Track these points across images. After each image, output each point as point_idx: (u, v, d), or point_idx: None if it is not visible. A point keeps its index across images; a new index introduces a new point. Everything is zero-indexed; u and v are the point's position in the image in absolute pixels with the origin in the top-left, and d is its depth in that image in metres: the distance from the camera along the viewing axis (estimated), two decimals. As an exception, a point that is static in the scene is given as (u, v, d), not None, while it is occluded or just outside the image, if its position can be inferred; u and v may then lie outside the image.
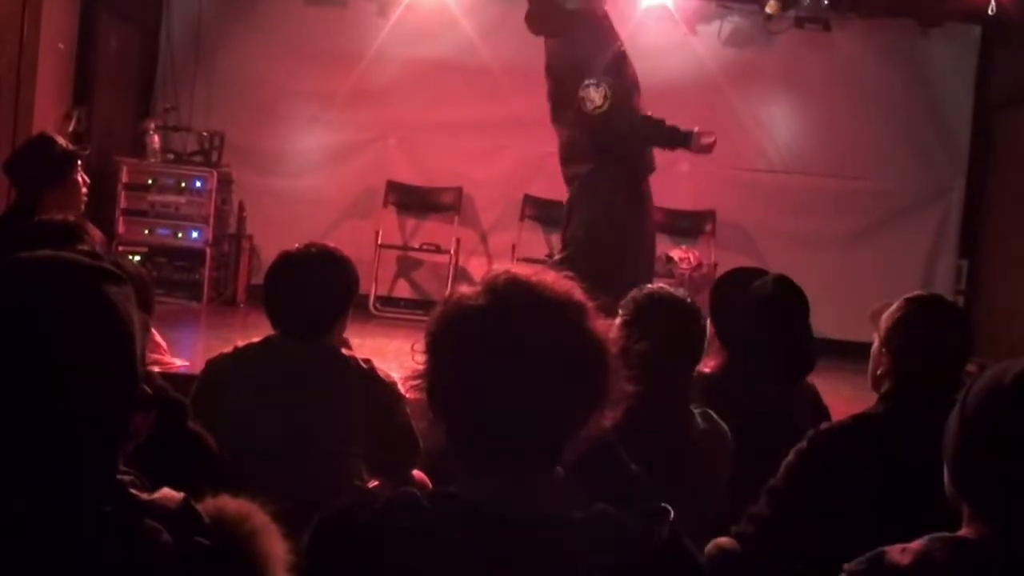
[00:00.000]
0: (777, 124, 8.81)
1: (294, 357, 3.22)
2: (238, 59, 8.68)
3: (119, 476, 1.34)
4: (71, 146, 4.88)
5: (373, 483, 3.41)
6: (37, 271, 1.34)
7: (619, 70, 5.66)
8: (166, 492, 1.35)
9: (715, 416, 2.93)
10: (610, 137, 5.55)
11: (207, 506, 1.36)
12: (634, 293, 3.01)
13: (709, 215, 8.67)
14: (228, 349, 3.33)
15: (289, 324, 3.27)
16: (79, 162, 4.71)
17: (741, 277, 3.72)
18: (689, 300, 3.02)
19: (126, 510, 1.29)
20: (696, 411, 2.92)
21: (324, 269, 3.28)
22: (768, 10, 7.92)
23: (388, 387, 3.26)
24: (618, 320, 2.83)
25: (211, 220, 8.04)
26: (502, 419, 1.55)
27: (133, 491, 1.33)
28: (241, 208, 8.42)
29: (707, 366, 3.50)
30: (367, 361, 3.29)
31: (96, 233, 3.51)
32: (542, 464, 1.59)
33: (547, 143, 8.47)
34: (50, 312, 1.30)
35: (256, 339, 3.33)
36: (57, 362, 1.28)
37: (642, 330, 2.72)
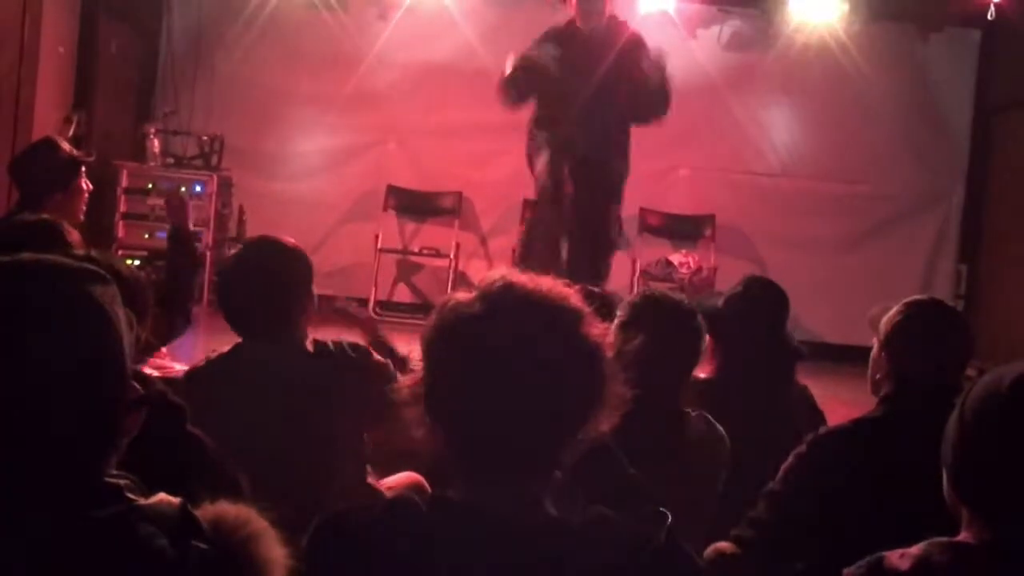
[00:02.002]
0: (777, 128, 8.82)
1: (262, 357, 3.12)
2: (238, 63, 8.68)
3: (115, 480, 1.34)
4: (76, 152, 4.87)
5: (382, 482, 3.39)
6: (20, 273, 1.34)
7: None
8: (163, 497, 1.34)
9: (711, 419, 2.93)
10: None
11: (205, 511, 1.36)
12: (631, 296, 3.02)
13: (708, 219, 8.67)
14: (201, 362, 3.24)
15: (248, 327, 3.18)
16: (83, 168, 4.71)
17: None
18: (685, 301, 3.03)
19: (122, 515, 1.29)
20: (692, 414, 2.92)
21: (269, 269, 3.17)
22: None
23: (373, 368, 3.17)
24: (615, 322, 2.84)
25: (211, 224, 8.04)
26: (498, 425, 1.55)
27: (130, 495, 1.33)
28: (241, 212, 8.42)
29: (704, 371, 3.50)
30: (337, 344, 3.18)
31: (74, 234, 3.49)
32: (539, 469, 1.59)
33: (546, 147, 8.49)
34: (35, 314, 1.30)
35: (225, 348, 3.22)
36: (44, 364, 1.28)
37: (638, 331, 2.72)
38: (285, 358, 3.12)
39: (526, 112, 8.46)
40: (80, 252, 2.57)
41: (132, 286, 2.47)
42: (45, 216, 3.65)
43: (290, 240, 3.27)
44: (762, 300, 3.54)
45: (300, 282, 3.20)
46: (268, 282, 3.13)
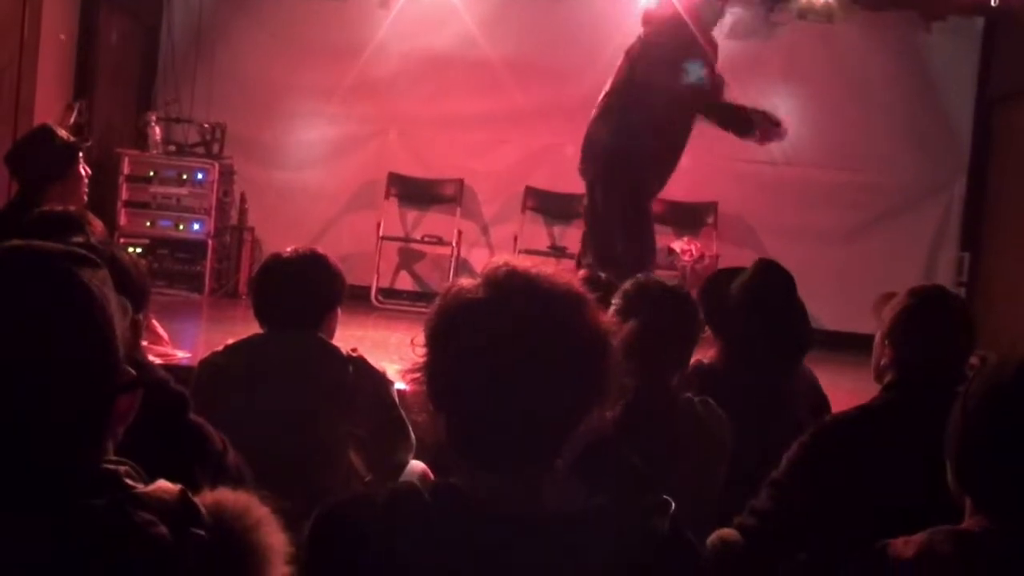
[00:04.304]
0: (779, 116, 8.79)
1: (284, 350, 3.27)
2: (239, 51, 8.68)
3: (115, 466, 1.34)
4: (72, 138, 4.88)
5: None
6: (6, 259, 1.33)
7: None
8: (162, 484, 1.34)
9: (713, 403, 2.93)
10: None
11: (206, 499, 1.35)
12: (625, 285, 3.02)
13: (711, 207, 8.66)
14: (219, 348, 3.37)
15: (276, 318, 3.32)
16: (81, 154, 4.71)
17: (729, 272, 3.74)
18: (678, 286, 3.04)
19: (120, 502, 1.28)
20: (695, 399, 2.92)
21: (308, 267, 3.36)
22: None
23: (378, 376, 3.29)
24: (611, 311, 2.84)
25: (213, 212, 8.05)
26: (502, 412, 1.54)
27: (129, 482, 1.33)
28: (243, 200, 8.42)
29: (706, 357, 3.50)
30: (354, 350, 3.33)
31: (97, 224, 3.52)
32: (542, 456, 1.58)
33: (548, 135, 8.52)
34: (21, 299, 1.30)
35: (245, 337, 3.38)
36: (32, 348, 1.28)
37: (632, 319, 2.72)
38: (302, 344, 3.27)
39: (527, 101, 8.49)
40: (80, 240, 2.56)
41: (132, 273, 2.47)
42: (70, 208, 3.67)
43: (324, 253, 3.47)
44: (767, 286, 3.53)
45: (332, 291, 3.41)
46: (304, 280, 3.33)
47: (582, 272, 3.58)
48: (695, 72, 6.08)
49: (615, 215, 6.12)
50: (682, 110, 6.16)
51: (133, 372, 1.37)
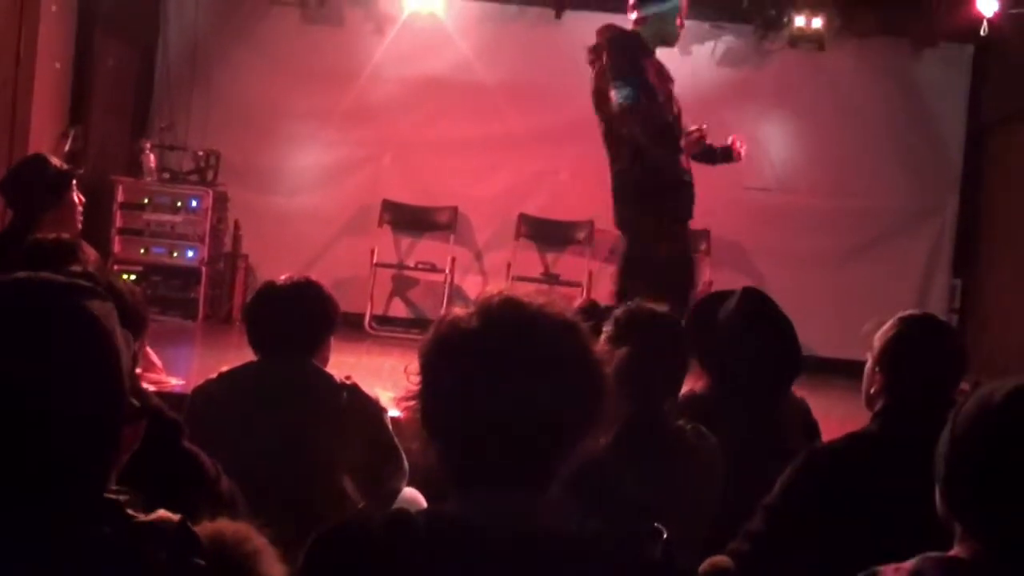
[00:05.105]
0: (771, 143, 8.83)
1: (278, 377, 3.27)
2: (234, 78, 8.70)
3: (116, 496, 1.35)
4: (65, 166, 4.88)
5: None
6: (13, 292, 1.34)
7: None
8: (163, 514, 1.35)
9: (704, 430, 2.94)
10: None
11: (205, 528, 1.36)
12: (616, 312, 3.04)
13: (704, 234, 8.67)
14: (213, 375, 3.36)
15: (270, 346, 3.33)
16: (74, 182, 4.71)
17: (715, 299, 3.74)
18: (669, 312, 3.05)
19: (122, 531, 1.29)
20: (687, 426, 2.93)
21: (301, 294, 3.37)
22: None
23: (371, 403, 3.29)
24: (602, 338, 2.85)
25: (206, 239, 8.07)
26: (495, 440, 1.56)
27: (130, 511, 1.33)
28: (236, 227, 8.43)
29: (696, 386, 3.50)
30: (348, 378, 3.33)
31: (91, 252, 3.52)
32: (535, 483, 1.59)
33: (541, 161, 8.55)
34: (31, 331, 1.31)
35: (239, 364, 3.38)
36: (41, 380, 1.29)
37: (624, 346, 2.74)
38: (295, 372, 3.27)
39: (521, 127, 8.52)
40: (78, 269, 2.57)
41: (128, 302, 2.48)
42: (64, 236, 3.68)
43: (318, 281, 3.48)
44: (754, 315, 3.52)
45: (325, 318, 3.40)
46: (298, 308, 3.33)
47: (578, 302, 3.59)
48: (616, 96, 5.91)
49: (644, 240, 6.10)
50: (660, 131, 6.11)
51: (137, 403, 1.39)
